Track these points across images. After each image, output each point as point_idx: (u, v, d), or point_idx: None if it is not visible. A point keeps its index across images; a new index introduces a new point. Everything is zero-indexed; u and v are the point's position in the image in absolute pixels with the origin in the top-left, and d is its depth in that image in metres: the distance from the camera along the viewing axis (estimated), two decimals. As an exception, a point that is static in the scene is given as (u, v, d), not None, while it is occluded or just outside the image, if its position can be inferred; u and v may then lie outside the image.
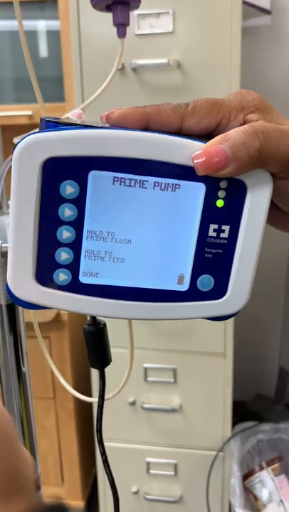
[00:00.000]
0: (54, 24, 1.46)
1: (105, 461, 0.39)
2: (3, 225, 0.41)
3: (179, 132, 0.31)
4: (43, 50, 1.50)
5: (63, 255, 0.31)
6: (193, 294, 0.33)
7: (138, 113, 0.30)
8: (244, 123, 0.31)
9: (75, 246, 0.31)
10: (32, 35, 1.51)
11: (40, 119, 0.30)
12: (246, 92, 0.32)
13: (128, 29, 1.18)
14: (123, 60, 1.12)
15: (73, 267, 0.31)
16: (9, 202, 0.46)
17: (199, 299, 0.33)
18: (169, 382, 1.29)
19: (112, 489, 0.40)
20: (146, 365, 1.28)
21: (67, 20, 1.20)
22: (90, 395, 1.38)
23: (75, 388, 1.48)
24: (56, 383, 1.39)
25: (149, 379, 1.29)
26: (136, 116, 0.30)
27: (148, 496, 1.36)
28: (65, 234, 0.30)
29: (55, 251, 0.31)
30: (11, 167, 0.31)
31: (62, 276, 0.31)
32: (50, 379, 1.38)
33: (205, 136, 0.31)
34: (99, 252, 0.31)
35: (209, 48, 1.08)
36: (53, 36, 1.47)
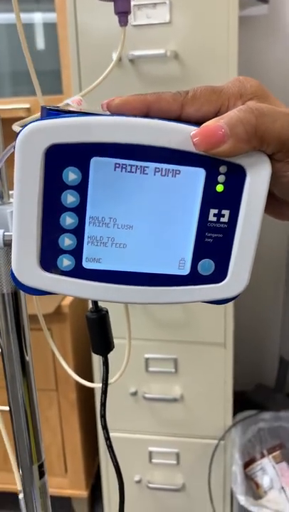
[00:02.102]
0: (51, 16, 1.46)
1: (110, 446, 0.40)
2: (3, 214, 0.42)
3: (178, 119, 0.32)
4: (40, 43, 1.50)
5: (67, 241, 0.31)
6: (194, 278, 0.33)
7: (138, 100, 0.31)
8: None
9: (78, 232, 0.31)
10: (28, 28, 1.50)
11: (41, 107, 0.30)
12: (245, 79, 0.33)
13: (125, 20, 1.16)
14: (117, 51, 1.12)
15: (76, 252, 0.32)
16: (10, 192, 0.47)
17: (200, 283, 0.34)
18: (170, 372, 1.30)
19: (116, 473, 0.41)
20: (147, 356, 1.29)
21: (64, 12, 1.20)
22: (92, 389, 1.39)
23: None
24: (58, 375, 1.40)
25: (150, 369, 1.30)
26: (136, 104, 0.31)
27: (150, 485, 1.38)
28: (68, 220, 0.31)
29: (58, 237, 0.31)
30: (10, 155, 0.31)
31: (65, 261, 0.32)
32: (52, 370, 1.39)
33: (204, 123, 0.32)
34: (101, 237, 0.32)
35: (206, 37, 1.08)
36: (50, 29, 1.47)
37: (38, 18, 1.50)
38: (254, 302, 1.71)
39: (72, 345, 1.36)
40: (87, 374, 1.33)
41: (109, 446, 0.40)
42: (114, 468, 0.41)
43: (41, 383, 1.38)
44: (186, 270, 0.33)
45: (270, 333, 1.75)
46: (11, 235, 0.37)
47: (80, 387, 1.44)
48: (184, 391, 1.32)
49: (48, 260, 0.31)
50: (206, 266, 0.33)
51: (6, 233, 0.38)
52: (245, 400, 1.57)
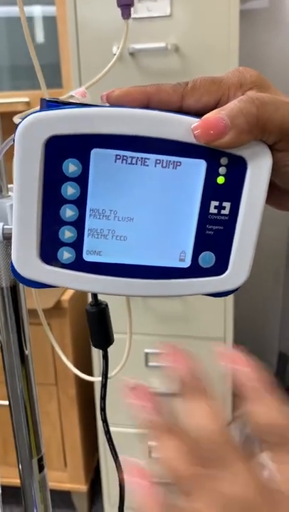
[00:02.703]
0: (50, 10, 1.45)
1: (110, 440, 0.40)
2: (3, 208, 0.42)
3: (178, 111, 0.31)
4: (40, 36, 1.49)
5: (67, 233, 0.31)
6: (194, 271, 0.33)
7: (138, 92, 0.31)
8: None
9: (79, 224, 0.31)
10: (28, 21, 1.49)
11: (41, 99, 0.30)
12: (244, 69, 0.32)
13: (125, 13, 1.16)
14: (119, 44, 1.11)
15: (77, 245, 0.31)
16: (9, 185, 0.47)
17: (201, 276, 0.33)
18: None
19: (116, 466, 0.41)
20: (146, 351, 1.29)
21: (64, 6, 1.19)
22: (91, 383, 1.39)
23: (78, 376, 1.48)
24: (58, 370, 1.40)
25: (150, 364, 1.30)
26: (136, 95, 0.31)
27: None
28: (69, 212, 0.31)
29: (58, 229, 0.31)
30: (9, 149, 0.31)
31: (66, 254, 0.31)
32: (51, 365, 1.39)
33: (204, 114, 0.31)
34: (102, 230, 0.31)
35: (207, 31, 1.08)
36: (49, 22, 1.46)
37: (37, 11, 1.49)
38: (253, 296, 1.71)
39: (71, 340, 1.36)
40: (87, 369, 1.33)
41: (109, 440, 0.40)
42: (114, 462, 0.41)
43: (41, 378, 1.38)
44: (186, 263, 0.33)
45: (269, 327, 1.75)
46: (10, 228, 0.37)
47: (80, 382, 1.44)
48: (184, 386, 1.32)
49: (49, 253, 0.31)
50: (207, 258, 0.33)
51: (5, 226, 0.38)
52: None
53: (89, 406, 1.47)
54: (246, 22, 1.49)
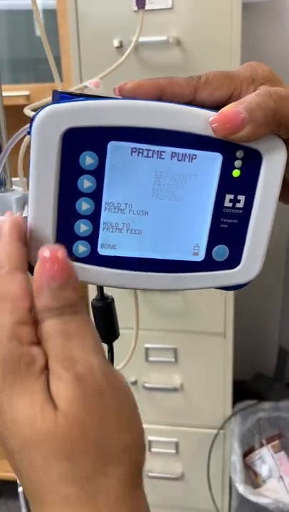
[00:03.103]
0: (50, 3, 1.44)
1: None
2: (8, 201, 0.41)
3: (191, 104, 0.31)
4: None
5: (82, 227, 0.31)
6: (208, 264, 0.33)
7: (152, 84, 0.31)
8: None
9: (94, 218, 0.31)
10: (27, 14, 1.48)
11: (53, 91, 0.30)
12: (256, 64, 0.33)
13: (125, 5, 1.16)
14: (120, 37, 1.10)
15: (92, 239, 0.31)
16: (13, 179, 0.46)
17: (214, 269, 0.34)
18: (170, 361, 1.30)
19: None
20: (147, 345, 1.29)
21: (64, -2, 1.18)
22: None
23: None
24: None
25: (150, 359, 1.30)
26: (149, 88, 0.31)
27: (150, 474, 1.39)
28: (84, 206, 0.31)
29: (74, 223, 0.31)
30: (20, 141, 0.30)
31: (81, 248, 0.31)
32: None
33: (216, 108, 0.32)
34: (117, 223, 0.31)
35: (209, 24, 1.07)
36: (50, 15, 1.45)
37: (37, 4, 1.48)
38: (254, 292, 1.71)
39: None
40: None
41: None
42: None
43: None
44: (200, 256, 0.33)
45: (269, 322, 1.76)
46: None
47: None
48: (184, 381, 1.32)
49: (64, 246, 0.31)
50: (221, 252, 0.33)
51: None
52: (244, 390, 1.58)
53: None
54: (248, 15, 1.48)
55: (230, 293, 1.23)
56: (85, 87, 0.46)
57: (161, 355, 1.30)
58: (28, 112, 0.37)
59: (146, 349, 1.30)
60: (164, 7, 1.07)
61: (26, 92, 1.37)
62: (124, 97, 0.31)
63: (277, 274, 1.68)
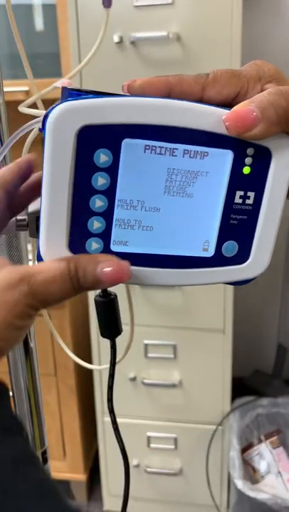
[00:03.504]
0: (50, -3, 1.43)
1: (116, 429, 0.40)
2: None
3: (199, 102, 0.32)
4: (39, 24, 1.47)
5: (96, 224, 0.31)
6: (218, 260, 0.34)
7: (161, 82, 0.31)
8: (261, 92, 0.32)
9: (107, 215, 0.31)
10: (27, 9, 1.47)
11: (62, 88, 0.30)
12: (262, 62, 0.33)
13: (126, 1, 1.15)
14: (121, 33, 1.10)
15: (105, 235, 0.32)
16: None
17: (224, 265, 0.34)
18: (169, 358, 1.31)
19: (122, 455, 0.41)
20: (146, 342, 1.29)
21: (64, -7, 1.18)
22: (90, 373, 1.40)
23: (77, 365, 1.47)
24: (57, 361, 1.40)
25: (150, 355, 1.31)
26: (159, 85, 0.31)
27: (149, 469, 1.39)
28: (98, 203, 0.31)
29: (87, 220, 0.31)
30: (24, 137, 0.30)
31: (94, 245, 0.32)
32: (51, 356, 1.39)
33: (224, 106, 0.32)
34: (129, 220, 0.32)
35: (210, 19, 1.06)
36: (49, 10, 1.44)
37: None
38: (253, 289, 1.71)
39: (70, 332, 1.36)
40: (86, 360, 1.33)
41: (116, 429, 0.40)
42: (121, 451, 0.41)
43: (40, 368, 1.38)
44: (210, 252, 0.34)
45: (268, 319, 1.76)
46: (23, 219, 0.37)
47: (79, 373, 1.44)
48: (183, 377, 1.32)
49: (77, 243, 0.31)
50: (230, 248, 0.34)
51: (18, 217, 0.38)
52: (242, 386, 1.58)
53: (88, 396, 1.47)
54: (249, 10, 1.47)
55: (230, 290, 1.23)
56: (56, 87, 0.46)
57: (160, 352, 1.31)
58: (22, 109, 0.37)
59: (146, 345, 1.30)
60: (164, 2, 1.07)
61: (26, 88, 1.36)
62: (133, 95, 0.31)
63: (276, 272, 1.68)
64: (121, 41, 1.10)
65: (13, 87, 1.36)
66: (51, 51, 1.42)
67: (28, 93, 1.36)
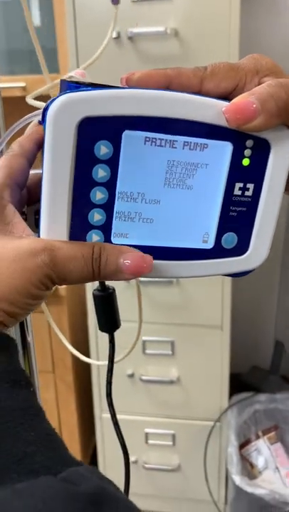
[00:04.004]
0: (46, -8, 1.42)
1: (116, 424, 0.40)
2: None
3: (197, 94, 0.32)
4: (36, 19, 1.46)
5: (96, 216, 0.31)
6: (217, 252, 0.34)
7: (160, 74, 0.31)
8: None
9: (108, 207, 0.31)
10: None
11: (61, 80, 0.30)
12: (259, 56, 0.33)
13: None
14: (118, 28, 1.10)
15: (105, 228, 0.32)
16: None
17: (223, 256, 0.34)
18: (167, 354, 1.31)
19: (122, 449, 0.41)
20: (144, 338, 1.29)
21: (61, -12, 1.17)
22: (88, 369, 1.40)
23: (75, 362, 1.48)
24: (55, 357, 1.40)
25: (148, 351, 1.31)
26: (157, 78, 0.31)
27: (147, 465, 1.39)
28: (99, 195, 0.31)
29: (88, 212, 0.31)
30: (21, 130, 0.30)
31: (95, 237, 0.32)
32: (49, 353, 1.39)
33: (222, 99, 0.32)
34: (129, 213, 0.32)
35: (208, 14, 1.06)
36: (46, 4, 1.43)
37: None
38: (250, 285, 1.71)
39: (68, 328, 1.36)
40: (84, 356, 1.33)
41: (115, 423, 0.40)
42: (121, 445, 0.41)
43: (38, 365, 1.38)
44: (209, 244, 0.34)
45: (265, 315, 1.76)
46: (22, 212, 0.37)
47: (77, 370, 1.44)
48: (181, 373, 1.32)
49: (78, 236, 0.31)
50: (230, 239, 0.34)
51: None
52: (240, 382, 1.59)
53: (86, 393, 1.47)
54: (247, 5, 1.47)
55: (228, 286, 1.23)
56: (71, 77, 0.46)
57: (158, 348, 1.31)
58: (31, 101, 0.37)
59: (144, 342, 1.30)
60: (162, -3, 1.06)
61: (23, 84, 1.36)
62: (132, 87, 0.31)
63: (273, 268, 1.68)
64: (118, 36, 1.10)
65: (10, 83, 1.36)
66: (48, 46, 1.41)
67: (25, 89, 1.36)
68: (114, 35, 1.09)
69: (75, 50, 1.12)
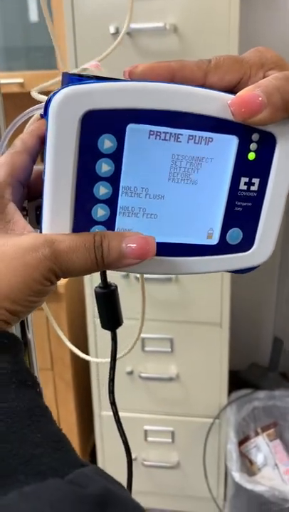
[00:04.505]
0: (44, -12, 1.41)
1: (118, 421, 0.40)
2: None
3: (202, 87, 0.31)
4: (33, 15, 1.45)
5: (100, 212, 0.31)
6: (222, 248, 0.34)
7: (163, 67, 0.30)
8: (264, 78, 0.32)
9: (111, 202, 0.31)
10: (21, 0, 1.46)
11: (63, 73, 0.29)
12: (265, 49, 0.33)
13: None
14: (117, 23, 1.09)
15: (109, 223, 0.31)
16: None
17: (228, 252, 0.34)
18: (166, 351, 1.30)
19: (124, 447, 0.41)
20: (143, 335, 1.29)
21: (59, -17, 1.16)
22: (87, 367, 1.39)
23: (74, 359, 1.47)
24: (54, 355, 1.40)
25: (147, 349, 1.30)
26: (161, 71, 0.30)
27: (146, 462, 1.39)
28: (102, 190, 0.30)
29: (91, 208, 0.30)
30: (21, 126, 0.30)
31: None
32: (47, 350, 1.39)
33: (226, 92, 0.31)
34: (133, 208, 0.31)
35: (207, 10, 1.05)
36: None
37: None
38: (249, 283, 1.71)
39: (67, 325, 1.36)
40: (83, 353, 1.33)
41: (118, 421, 0.40)
42: (123, 443, 0.40)
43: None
44: (214, 240, 0.33)
45: (264, 313, 1.76)
46: (23, 207, 0.36)
47: (76, 367, 1.44)
48: (180, 370, 1.32)
49: (81, 231, 0.31)
50: (235, 235, 0.33)
51: None
52: (239, 379, 1.59)
53: (84, 390, 1.47)
54: (246, 1, 1.46)
55: (227, 283, 1.23)
56: (85, 69, 0.45)
57: (157, 345, 1.30)
58: (36, 95, 0.36)
59: (143, 339, 1.30)
60: (161, -7, 1.05)
61: (20, 80, 1.35)
62: (135, 80, 0.30)
63: (272, 265, 1.68)
64: (117, 32, 1.09)
65: (8, 79, 1.35)
66: (46, 43, 1.40)
67: (22, 85, 1.35)
68: (113, 30, 1.08)
69: (73, 46, 1.12)
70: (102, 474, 0.25)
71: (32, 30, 1.46)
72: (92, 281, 1.21)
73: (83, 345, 1.36)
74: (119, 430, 0.40)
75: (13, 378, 0.27)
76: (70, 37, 1.11)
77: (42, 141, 0.34)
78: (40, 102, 0.35)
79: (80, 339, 1.40)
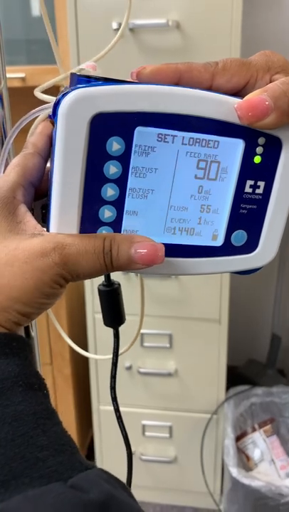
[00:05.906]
0: (46, -18, 1.41)
1: (119, 418, 0.40)
2: None
3: (208, 90, 0.32)
4: (35, 10, 1.45)
5: (107, 213, 0.31)
6: (227, 249, 0.34)
7: (171, 69, 0.31)
8: (270, 82, 0.32)
9: (118, 204, 0.31)
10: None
11: (71, 73, 0.30)
12: (271, 53, 0.33)
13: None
14: (119, 19, 1.09)
15: (116, 224, 0.32)
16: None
17: (232, 254, 0.34)
18: (164, 347, 1.31)
19: (125, 442, 0.41)
20: (142, 331, 1.30)
21: (61, -23, 1.16)
22: (86, 362, 1.40)
23: (73, 356, 1.48)
24: (53, 350, 1.41)
25: (145, 344, 1.31)
26: (169, 73, 0.31)
27: (143, 457, 1.40)
28: (110, 192, 0.31)
29: (99, 209, 0.31)
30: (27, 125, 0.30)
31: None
32: (47, 345, 1.39)
33: (233, 95, 0.32)
34: (140, 209, 0.32)
35: (209, 7, 1.05)
36: (45, -5, 1.42)
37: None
38: (248, 279, 1.72)
39: (67, 322, 1.36)
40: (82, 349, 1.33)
41: (119, 417, 0.40)
42: (123, 438, 0.41)
43: (36, 357, 1.38)
44: (219, 241, 0.34)
45: (263, 309, 1.77)
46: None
47: (75, 362, 1.44)
48: (179, 366, 1.33)
49: (88, 232, 0.31)
50: (239, 237, 0.34)
51: None
52: (236, 375, 1.60)
53: (83, 385, 1.48)
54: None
55: (226, 280, 1.23)
56: (81, 69, 0.46)
57: (156, 341, 1.31)
58: (40, 94, 0.37)
59: (142, 335, 1.30)
60: (163, -11, 1.05)
61: (22, 74, 1.35)
62: (142, 82, 0.31)
63: (271, 262, 1.69)
64: (119, 28, 1.09)
65: (9, 74, 1.34)
66: (48, 37, 1.40)
67: (24, 80, 1.35)
68: (115, 26, 1.08)
69: (75, 42, 1.11)
70: (105, 478, 0.25)
71: (33, 25, 1.45)
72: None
73: (82, 340, 1.36)
74: (120, 426, 0.41)
75: (20, 381, 0.27)
76: (72, 32, 1.11)
77: (50, 140, 0.34)
78: (44, 102, 0.35)
79: (80, 335, 1.40)
